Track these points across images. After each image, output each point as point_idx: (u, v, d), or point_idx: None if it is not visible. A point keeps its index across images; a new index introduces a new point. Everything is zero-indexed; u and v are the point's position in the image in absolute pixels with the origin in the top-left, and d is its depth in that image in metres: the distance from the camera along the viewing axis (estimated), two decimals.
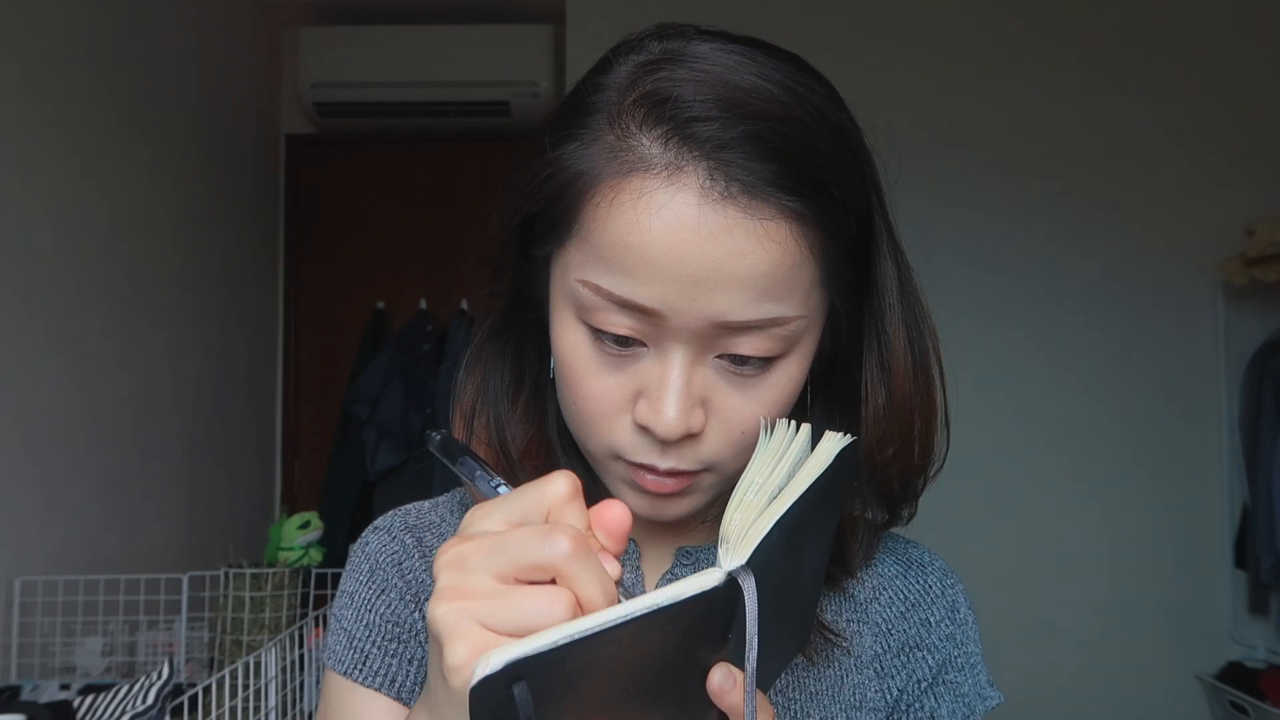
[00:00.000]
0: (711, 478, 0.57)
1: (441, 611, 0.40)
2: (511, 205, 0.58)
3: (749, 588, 0.41)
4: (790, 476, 0.46)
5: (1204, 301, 2.80)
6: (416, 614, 0.65)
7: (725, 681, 0.42)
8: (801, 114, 0.51)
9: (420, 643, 0.65)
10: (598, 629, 0.38)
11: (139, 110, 2.34)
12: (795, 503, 0.43)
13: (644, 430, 0.54)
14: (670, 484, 0.56)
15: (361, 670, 0.64)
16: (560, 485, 0.43)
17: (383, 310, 3.37)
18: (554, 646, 0.37)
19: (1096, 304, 2.83)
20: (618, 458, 0.56)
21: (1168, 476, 2.81)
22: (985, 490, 2.68)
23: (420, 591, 0.66)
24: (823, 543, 0.51)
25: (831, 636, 0.64)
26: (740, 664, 0.43)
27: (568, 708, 0.39)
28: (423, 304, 3.31)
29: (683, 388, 0.52)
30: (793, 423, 0.47)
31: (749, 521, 0.43)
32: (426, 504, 0.71)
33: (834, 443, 0.46)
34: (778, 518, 0.42)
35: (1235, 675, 2.63)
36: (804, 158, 0.50)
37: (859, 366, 0.60)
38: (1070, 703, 2.74)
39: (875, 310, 0.59)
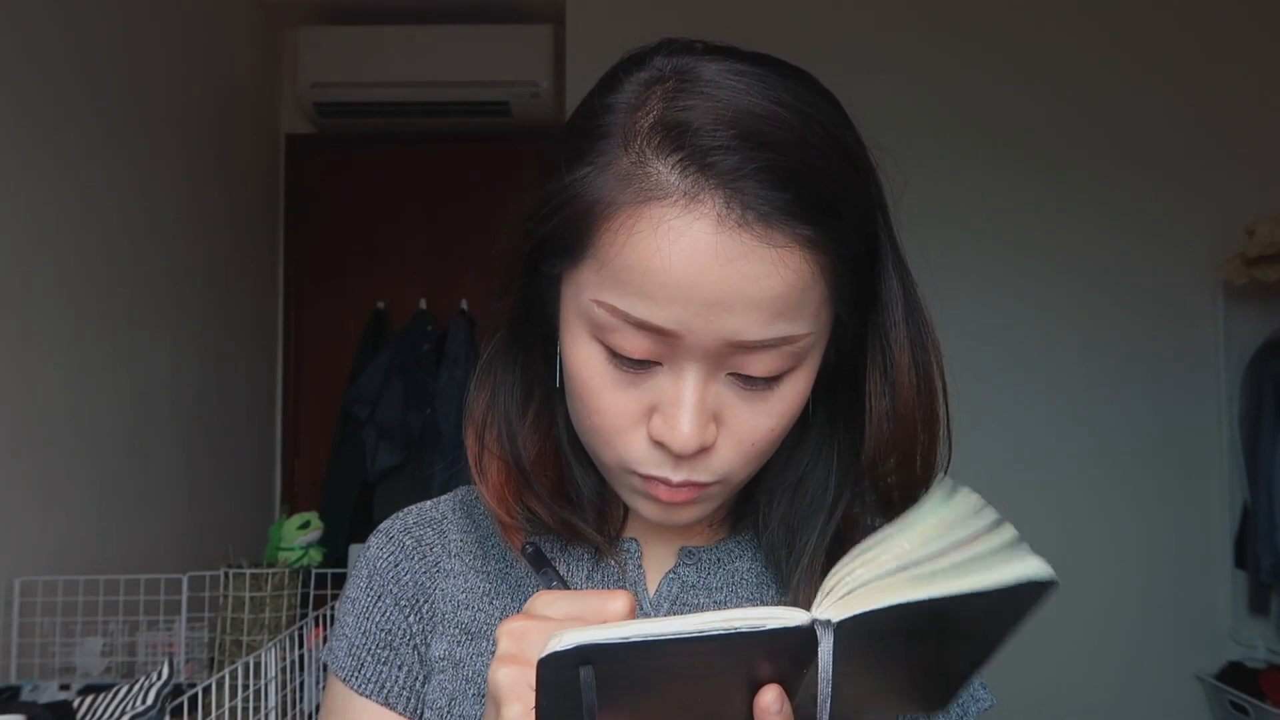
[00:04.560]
0: (720, 487, 0.59)
1: (502, 674, 0.47)
2: (523, 226, 0.58)
3: (825, 647, 0.41)
4: (946, 556, 0.42)
5: (1204, 301, 2.80)
6: (411, 619, 0.67)
7: (773, 705, 0.44)
8: (813, 139, 0.52)
9: (413, 649, 0.66)
10: (671, 637, 0.39)
11: (139, 110, 2.34)
12: (939, 599, 0.41)
13: (658, 445, 0.56)
14: (683, 494, 0.57)
15: (357, 677, 0.66)
16: (620, 603, 0.49)
17: (383, 310, 3.37)
18: (626, 641, 0.38)
19: (1096, 304, 2.83)
20: (631, 470, 0.58)
21: (1167, 476, 2.81)
22: (983, 490, 2.67)
23: (418, 594, 0.67)
24: (969, 651, 0.47)
25: None
26: (809, 709, 0.43)
27: (626, 702, 0.41)
28: (423, 304, 3.31)
29: (697, 404, 0.54)
30: (973, 496, 0.45)
31: (867, 581, 0.41)
32: (429, 503, 0.73)
33: (1031, 568, 0.43)
34: (905, 601, 0.40)
35: (1235, 675, 2.63)
36: (816, 184, 0.51)
37: (863, 377, 0.61)
38: (1070, 702, 2.74)
39: (880, 325, 0.60)
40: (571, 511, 0.65)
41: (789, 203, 0.50)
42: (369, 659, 0.66)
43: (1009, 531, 0.44)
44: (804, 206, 0.51)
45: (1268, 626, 2.70)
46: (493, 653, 0.63)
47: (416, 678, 0.66)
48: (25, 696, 1.63)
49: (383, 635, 0.66)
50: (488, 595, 0.66)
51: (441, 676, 0.64)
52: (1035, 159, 2.85)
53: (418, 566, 0.68)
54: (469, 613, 0.66)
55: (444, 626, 0.66)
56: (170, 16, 2.53)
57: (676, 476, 0.56)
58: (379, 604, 0.67)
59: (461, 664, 0.64)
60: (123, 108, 2.27)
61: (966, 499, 0.45)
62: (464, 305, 3.29)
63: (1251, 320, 2.74)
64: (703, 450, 0.55)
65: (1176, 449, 2.81)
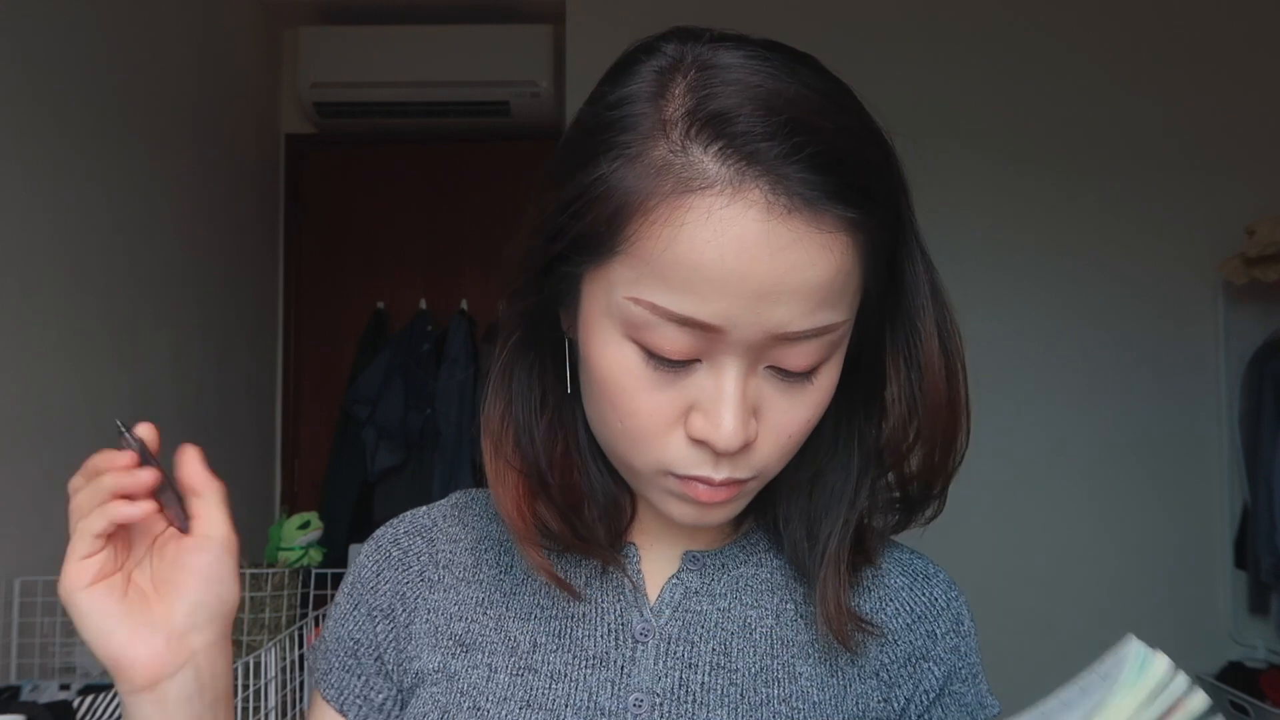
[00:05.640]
0: (757, 483, 0.58)
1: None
2: (545, 227, 0.56)
3: None
4: None
5: (1204, 301, 2.80)
6: (380, 628, 0.67)
7: None
8: (847, 122, 0.51)
9: (375, 659, 0.67)
10: None
11: (139, 110, 2.34)
12: None
13: (698, 443, 0.54)
14: (724, 493, 0.56)
15: (324, 682, 0.68)
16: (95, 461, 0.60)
17: (383, 310, 3.37)
18: None
19: (1096, 303, 2.83)
20: (668, 472, 0.56)
21: (1168, 476, 2.80)
22: (984, 490, 2.68)
23: (394, 605, 0.67)
24: None
25: (868, 628, 0.64)
26: None
27: None
28: (423, 304, 3.31)
29: (739, 399, 0.53)
30: (1164, 661, 0.42)
31: None
32: (423, 510, 0.72)
33: None
34: None
35: (1235, 675, 2.62)
36: (855, 167, 0.51)
37: (882, 364, 0.60)
38: None
39: (905, 310, 0.59)
40: (581, 521, 0.63)
41: (833, 186, 0.50)
42: (336, 665, 0.67)
43: (1199, 699, 0.41)
44: (846, 189, 0.50)
45: (1268, 626, 2.70)
46: (488, 664, 0.63)
47: (372, 688, 0.66)
48: (25, 696, 1.63)
49: (350, 644, 0.67)
50: (481, 605, 0.66)
51: (434, 689, 0.63)
52: (1034, 160, 2.85)
53: (400, 577, 0.67)
54: (462, 624, 0.65)
55: (435, 638, 0.65)
56: (170, 16, 2.53)
57: (719, 475, 0.55)
58: (354, 613, 0.68)
59: (456, 676, 0.63)
60: (122, 108, 2.27)
61: (1159, 667, 0.42)
62: (464, 305, 3.29)
63: (1251, 320, 2.74)
64: (745, 446, 0.54)
65: (1176, 449, 2.80)
